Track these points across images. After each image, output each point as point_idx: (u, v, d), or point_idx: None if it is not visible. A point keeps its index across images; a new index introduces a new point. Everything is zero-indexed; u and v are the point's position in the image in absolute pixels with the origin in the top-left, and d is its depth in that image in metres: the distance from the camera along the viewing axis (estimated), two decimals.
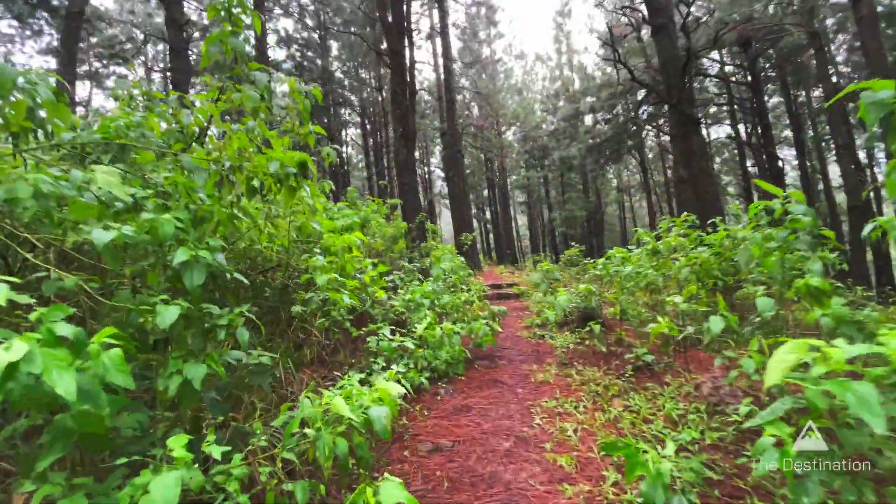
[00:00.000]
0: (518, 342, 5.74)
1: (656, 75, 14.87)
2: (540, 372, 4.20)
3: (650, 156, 31.35)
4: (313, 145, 3.46)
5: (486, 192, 36.18)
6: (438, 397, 3.64)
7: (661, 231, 6.04)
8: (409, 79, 11.51)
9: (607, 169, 30.97)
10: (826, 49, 17.68)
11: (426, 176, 36.87)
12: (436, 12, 21.42)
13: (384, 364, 3.44)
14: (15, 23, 16.71)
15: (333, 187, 5.57)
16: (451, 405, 3.48)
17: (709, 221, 5.83)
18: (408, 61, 12.05)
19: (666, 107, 19.98)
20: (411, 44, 12.77)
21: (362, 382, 2.98)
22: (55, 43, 18.66)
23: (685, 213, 5.32)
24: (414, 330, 4.25)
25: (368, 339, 3.63)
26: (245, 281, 1.95)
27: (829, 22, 19.70)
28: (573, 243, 13.88)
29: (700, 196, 8.57)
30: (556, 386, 3.82)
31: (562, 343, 5.20)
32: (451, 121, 18.75)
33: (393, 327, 4.05)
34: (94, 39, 22.89)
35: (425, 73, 40.95)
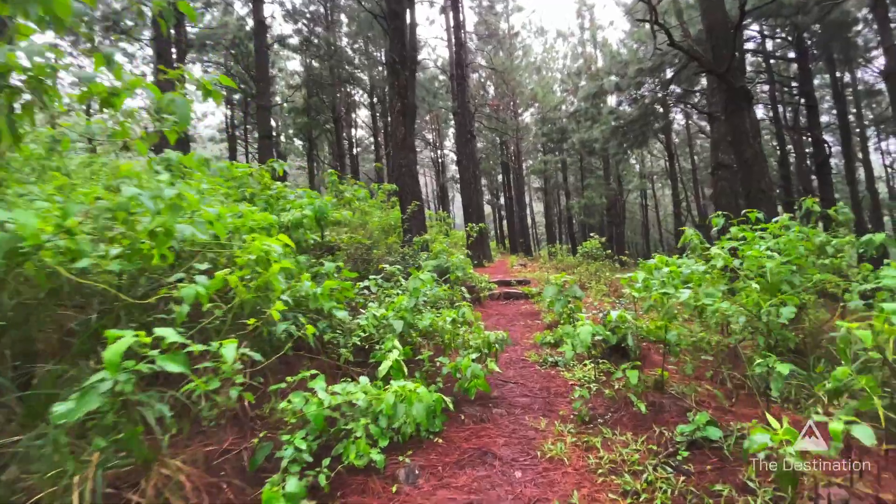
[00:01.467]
0: (523, 371, 4.50)
1: (694, 45, 13.12)
2: (550, 436, 2.95)
3: (676, 140, 29.20)
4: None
5: (500, 177, 34.53)
6: (395, 488, 2.42)
7: (715, 230, 4.71)
8: (410, 47, 10.11)
9: (630, 154, 28.98)
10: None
11: (439, 159, 35.39)
12: None
13: (306, 445, 2.23)
14: None
15: (287, 168, 4.37)
16: None
17: (773, 220, 4.46)
18: (409, 28, 10.62)
19: (701, 84, 18.07)
20: (412, 6, 11.32)
21: None
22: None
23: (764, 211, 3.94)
24: (377, 363, 3.04)
25: (288, 400, 2.41)
26: None
27: None
28: (592, 234, 12.44)
29: (752, 185, 7.08)
30: (572, 470, 2.56)
31: (581, 379, 3.94)
32: (462, 99, 17.26)
33: (338, 376, 2.86)
34: (97, 13, 21.75)
35: (439, 50, 39.14)
